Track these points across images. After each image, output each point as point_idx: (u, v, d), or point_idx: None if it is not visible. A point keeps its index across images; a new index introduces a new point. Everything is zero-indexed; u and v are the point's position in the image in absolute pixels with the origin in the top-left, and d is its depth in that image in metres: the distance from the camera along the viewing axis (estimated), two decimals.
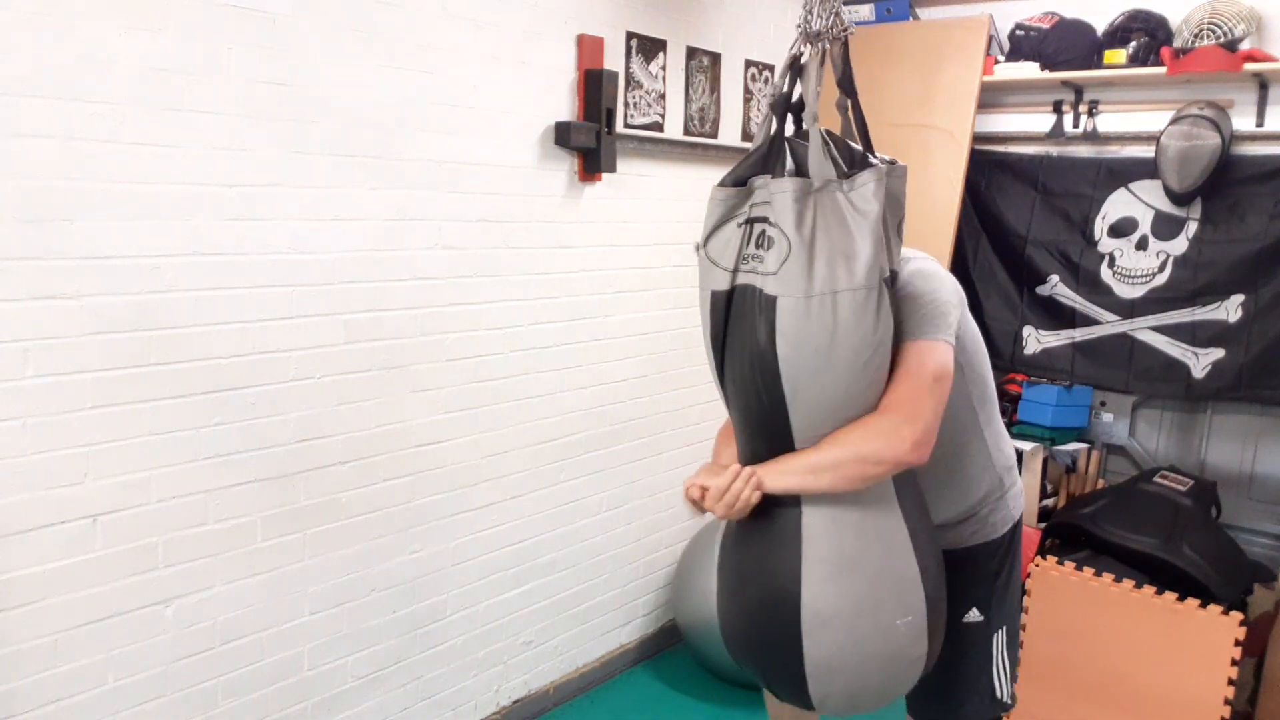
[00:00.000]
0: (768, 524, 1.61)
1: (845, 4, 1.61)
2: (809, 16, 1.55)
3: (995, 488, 1.88)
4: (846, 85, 1.58)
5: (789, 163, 1.55)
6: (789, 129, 1.61)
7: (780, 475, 1.56)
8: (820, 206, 1.48)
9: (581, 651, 3.25)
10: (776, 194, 1.50)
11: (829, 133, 1.56)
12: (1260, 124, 3.20)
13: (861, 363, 1.51)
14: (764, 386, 1.54)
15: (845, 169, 1.51)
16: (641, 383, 3.29)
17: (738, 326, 1.56)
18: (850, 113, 1.61)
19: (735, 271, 1.57)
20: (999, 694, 1.92)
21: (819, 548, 1.57)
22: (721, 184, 1.60)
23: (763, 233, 1.53)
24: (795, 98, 1.60)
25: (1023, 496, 1.98)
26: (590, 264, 3.03)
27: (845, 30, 1.56)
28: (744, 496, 1.56)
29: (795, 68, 1.59)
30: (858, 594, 1.56)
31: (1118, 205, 3.44)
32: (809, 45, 1.56)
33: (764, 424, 1.59)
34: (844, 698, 1.62)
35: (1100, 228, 3.47)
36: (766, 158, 1.57)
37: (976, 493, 1.86)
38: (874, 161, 1.54)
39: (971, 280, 3.70)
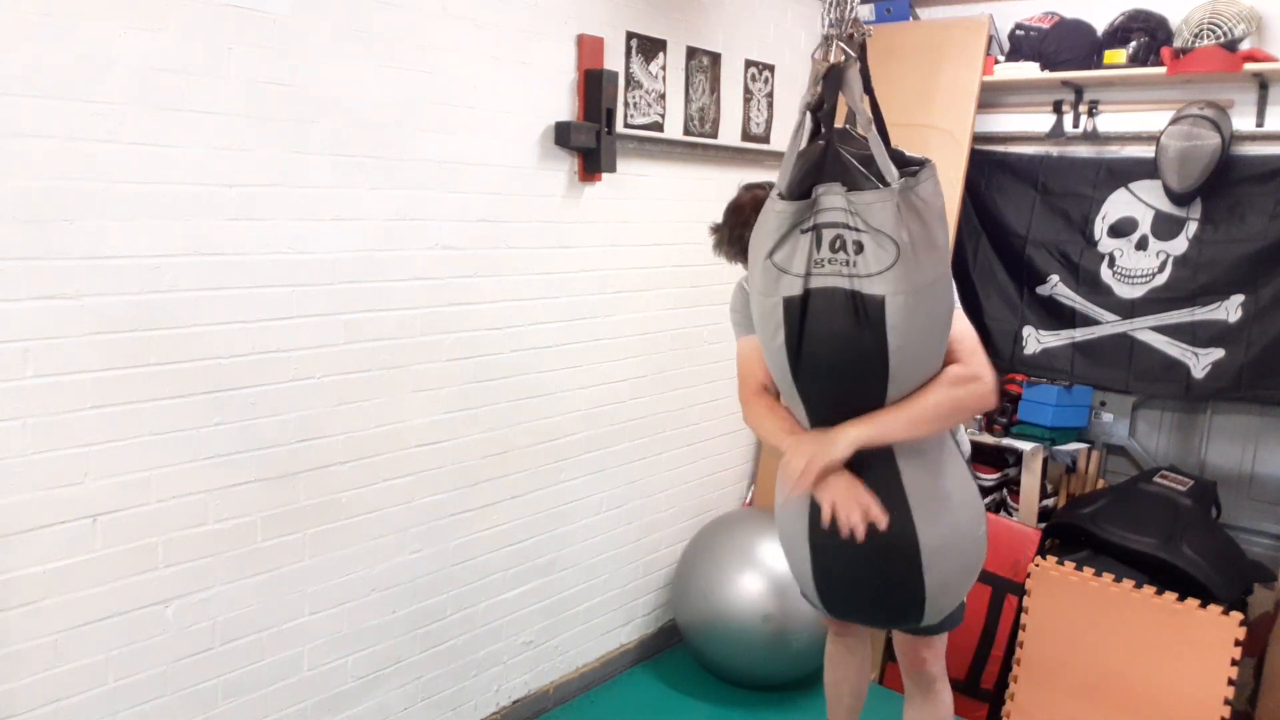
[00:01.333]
0: (868, 481, 1.77)
1: None
2: (836, 23, 1.66)
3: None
4: (866, 84, 1.69)
5: (855, 167, 1.66)
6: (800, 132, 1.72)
7: (881, 430, 1.75)
8: (904, 208, 1.62)
9: (581, 651, 3.25)
10: (874, 204, 1.61)
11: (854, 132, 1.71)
12: (1260, 124, 3.20)
13: (944, 333, 1.76)
14: (866, 375, 1.71)
15: (899, 168, 1.66)
16: (641, 383, 3.29)
17: (822, 327, 1.69)
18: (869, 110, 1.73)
19: (808, 276, 1.68)
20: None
21: (920, 492, 1.79)
22: (782, 196, 1.71)
23: (838, 238, 1.64)
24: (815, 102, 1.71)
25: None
26: (590, 264, 3.03)
27: (865, 34, 1.68)
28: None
29: (834, 75, 1.67)
30: (957, 521, 1.84)
31: (1118, 205, 3.44)
32: (840, 51, 1.65)
33: (854, 402, 1.76)
34: (947, 604, 1.92)
35: (1100, 228, 3.47)
36: (821, 166, 1.67)
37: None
38: (912, 156, 1.70)
39: (971, 280, 3.70)
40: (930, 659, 2.19)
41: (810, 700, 3.26)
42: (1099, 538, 3.03)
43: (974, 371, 1.78)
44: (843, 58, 1.65)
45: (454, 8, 2.51)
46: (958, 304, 1.82)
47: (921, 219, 1.63)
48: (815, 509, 1.83)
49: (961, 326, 1.81)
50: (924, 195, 1.64)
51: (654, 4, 3.08)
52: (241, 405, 2.20)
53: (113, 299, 1.96)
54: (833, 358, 1.71)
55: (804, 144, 1.70)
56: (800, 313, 1.69)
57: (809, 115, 1.69)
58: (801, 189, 1.69)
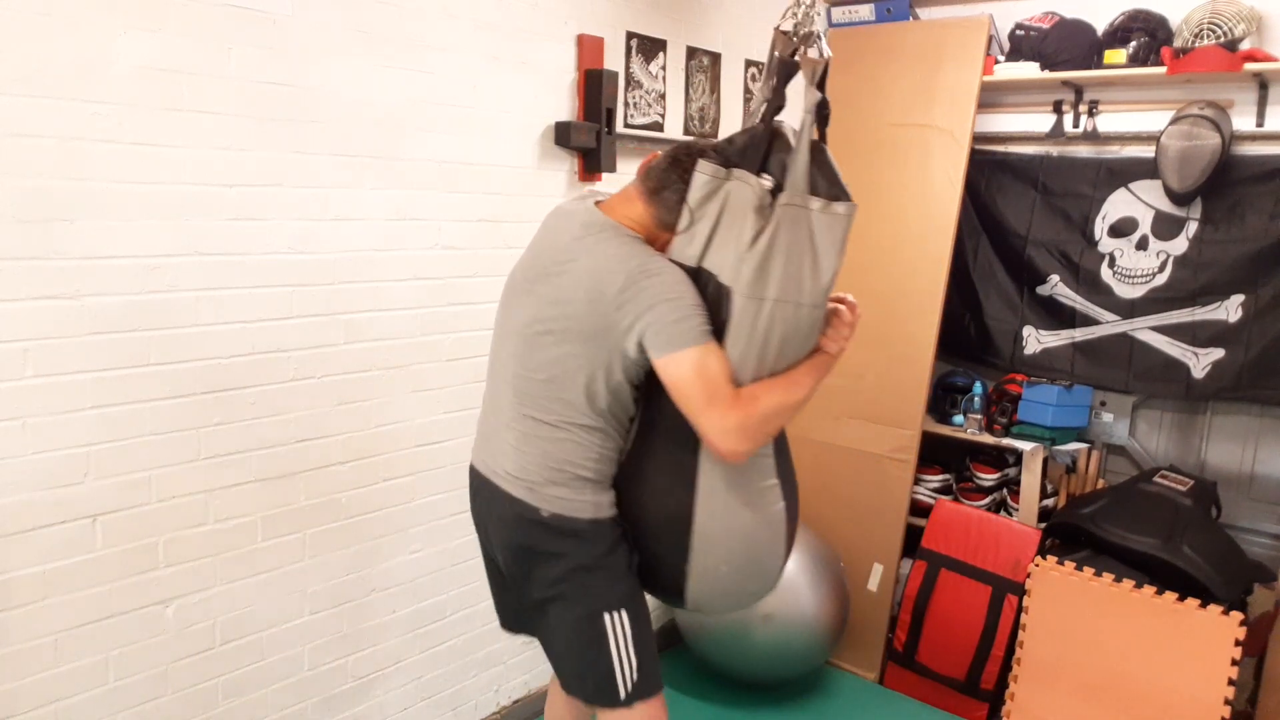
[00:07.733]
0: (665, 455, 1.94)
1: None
2: (803, 20, 1.66)
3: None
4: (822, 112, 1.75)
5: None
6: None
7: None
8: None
9: None
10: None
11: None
12: (1260, 124, 3.20)
13: None
14: None
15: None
16: None
17: None
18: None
19: None
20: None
21: (710, 483, 1.93)
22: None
23: None
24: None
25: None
26: None
27: (826, 56, 1.70)
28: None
29: (824, 72, 1.68)
30: (744, 528, 1.92)
31: (1118, 205, 3.44)
32: (805, 46, 1.66)
33: None
34: (710, 600, 2.02)
35: (1100, 228, 3.47)
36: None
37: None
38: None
39: (971, 280, 3.70)
40: None
41: (810, 700, 3.26)
42: (1099, 538, 3.03)
43: None
44: (819, 50, 1.67)
45: (454, 8, 2.51)
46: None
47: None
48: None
49: None
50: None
51: (654, 4, 3.08)
52: (241, 405, 2.20)
53: (113, 299, 1.96)
54: None
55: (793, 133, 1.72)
56: None
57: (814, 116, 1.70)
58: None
